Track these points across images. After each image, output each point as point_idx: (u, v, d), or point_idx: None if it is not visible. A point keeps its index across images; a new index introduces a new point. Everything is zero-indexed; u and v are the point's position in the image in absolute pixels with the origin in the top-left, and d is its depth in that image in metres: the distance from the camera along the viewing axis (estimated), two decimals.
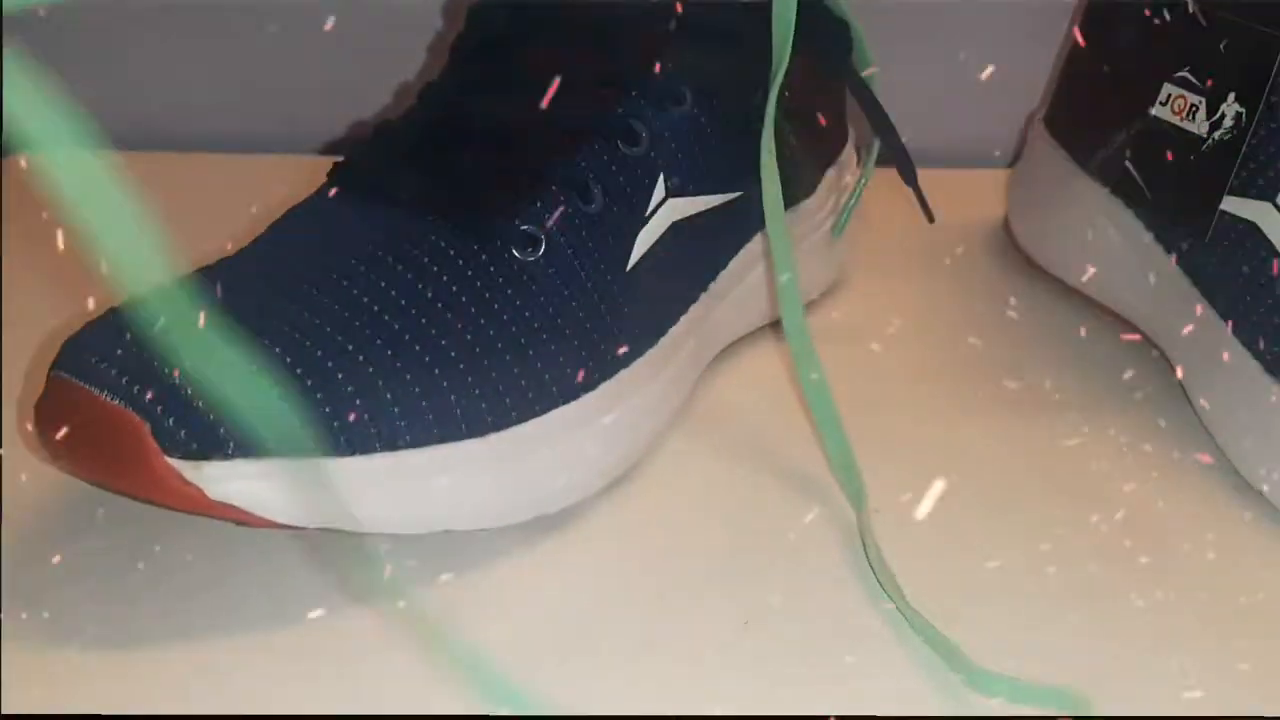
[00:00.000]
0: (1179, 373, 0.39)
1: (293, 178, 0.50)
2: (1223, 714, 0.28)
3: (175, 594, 0.30)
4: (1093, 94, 0.44)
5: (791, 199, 0.41)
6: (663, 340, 0.35)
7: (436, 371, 0.30)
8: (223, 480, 0.27)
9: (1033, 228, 0.46)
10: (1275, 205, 0.35)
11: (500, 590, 0.31)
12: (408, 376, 0.30)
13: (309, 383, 0.28)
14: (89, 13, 0.57)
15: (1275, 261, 0.35)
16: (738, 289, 0.39)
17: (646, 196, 0.34)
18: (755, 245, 0.39)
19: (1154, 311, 0.41)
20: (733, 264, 0.38)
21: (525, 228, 0.32)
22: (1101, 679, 0.28)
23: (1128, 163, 0.40)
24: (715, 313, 0.38)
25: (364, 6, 0.56)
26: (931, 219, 0.42)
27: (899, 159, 0.40)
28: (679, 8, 0.35)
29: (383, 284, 0.31)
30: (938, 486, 0.33)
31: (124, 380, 0.28)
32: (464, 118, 0.35)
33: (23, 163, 0.55)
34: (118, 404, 0.27)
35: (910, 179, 0.41)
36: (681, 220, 0.36)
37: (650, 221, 0.35)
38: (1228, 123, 0.36)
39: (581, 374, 0.33)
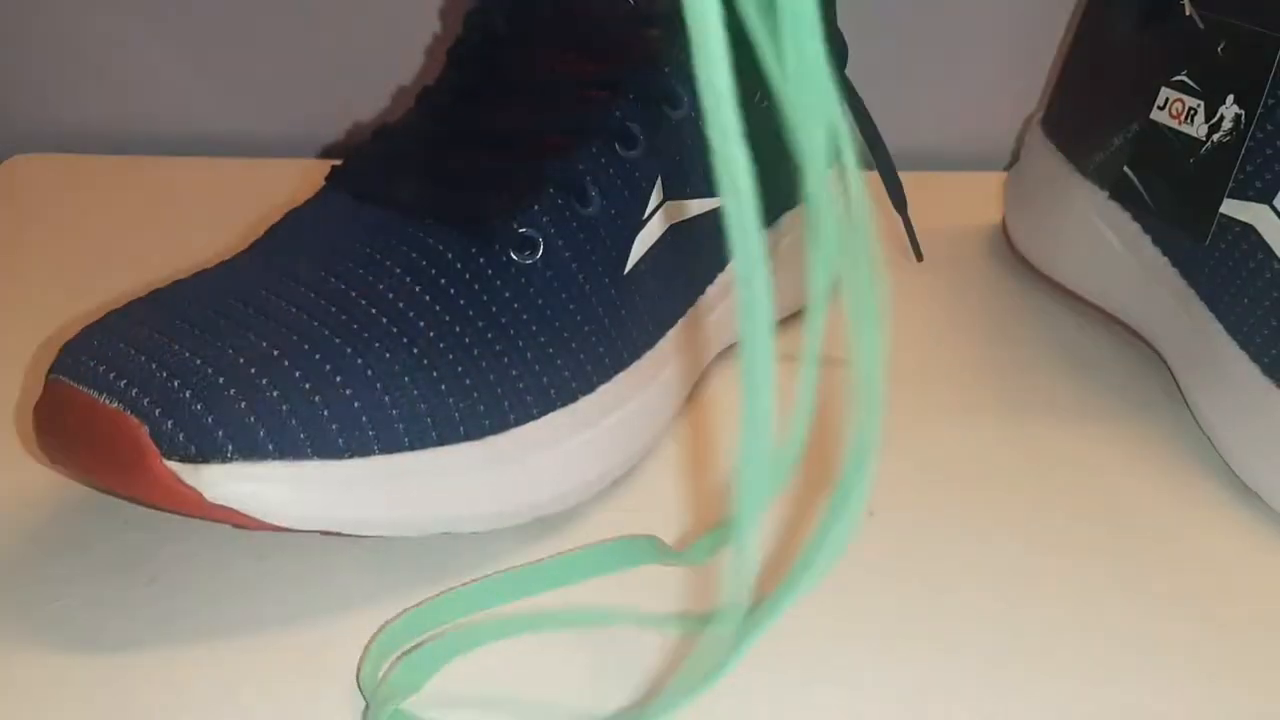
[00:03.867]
0: (1176, 375, 0.39)
1: (291, 181, 0.50)
2: (1222, 716, 0.28)
3: (173, 598, 0.30)
4: (1090, 97, 0.44)
5: (790, 201, 0.41)
6: (661, 343, 0.35)
7: (434, 374, 0.30)
8: (221, 483, 0.27)
9: (1030, 230, 0.46)
10: (1273, 208, 0.35)
11: None
12: (406, 380, 0.30)
13: (307, 386, 0.28)
14: (88, 17, 0.57)
15: (1272, 264, 0.35)
16: (735, 292, 0.39)
17: (644, 199, 0.34)
18: None
19: (1151, 314, 0.41)
20: (730, 266, 0.38)
21: (523, 230, 0.32)
22: (1099, 678, 0.28)
23: (1125, 166, 0.40)
24: (713, 315, 0.38)
25: (362, 10, 0.57)
26: (920, 257, 0.42)
27: (890, 187, 0.40)
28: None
29: (380, 288, 0.31)
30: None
31: (122, 383, 0.28)
32: (461, 121, 0.35)
33: (22, 164, 0.55)
34: (116, 407, 0.27)
35: (900, 207, 0.40)
36: (679, 222, 0.36)
37: (648, 224, 0.35)
38: (1226, 125, 0.36)
39: (579, 377, 0.33)
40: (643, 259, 0.34)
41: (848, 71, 0.40)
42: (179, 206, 0.52)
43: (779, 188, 0.41)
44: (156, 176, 0.54)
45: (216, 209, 0.50)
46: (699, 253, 0.37)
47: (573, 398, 0.32)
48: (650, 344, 0.35)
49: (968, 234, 0.50)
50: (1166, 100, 0.38)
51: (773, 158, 0.39)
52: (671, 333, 0.36)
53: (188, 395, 0.27)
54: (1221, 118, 0.36)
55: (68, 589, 0.30)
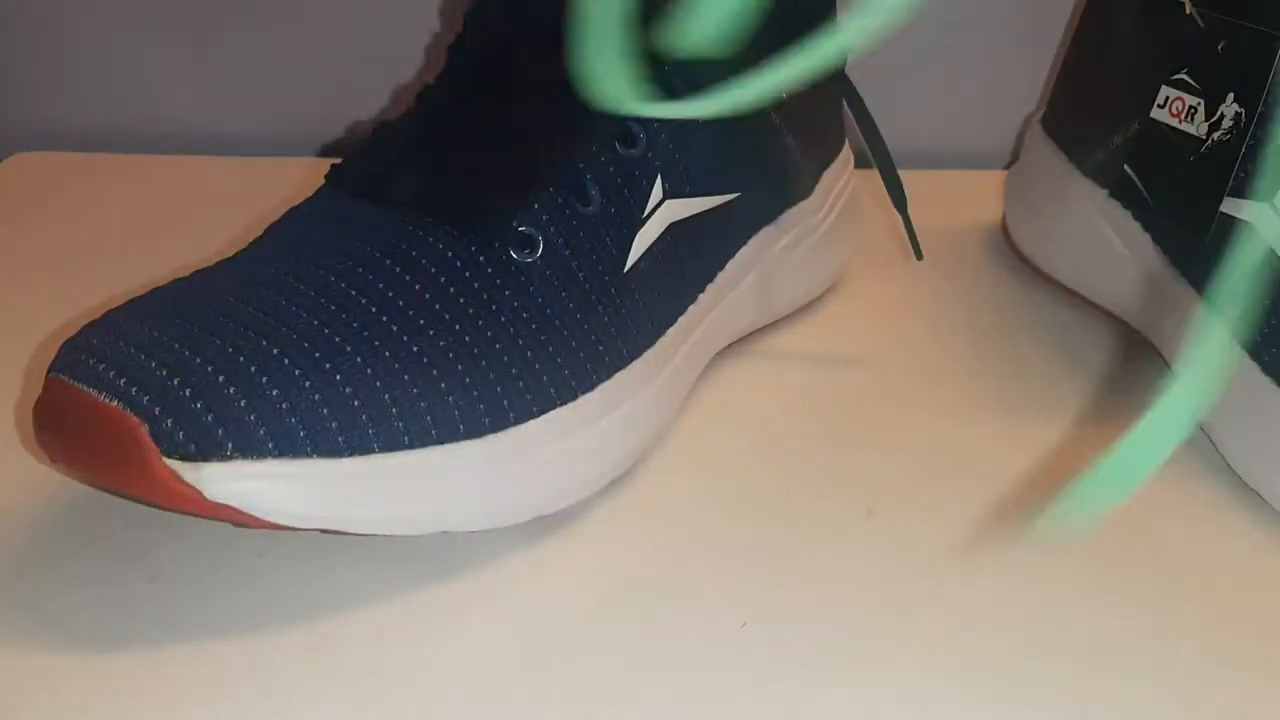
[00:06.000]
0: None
1: (291, 179, 0.50)
2: (1219, 715, 0.28)
3: (173, 596, 0.30)
4: (1091, 95, 0.44)
5: (790, 199, 0.41)
6: (660, 341, 0.35)
7: (434, 373, 0.30)
8: (221, 481, 0.27)
9: (1030, 229, 0.46)
10: (1273, 206, 0.35)
11: (499, 591, 0.31)
12: (405, 378, 0.30)
13: (307, 384, 0.28)
14: (88, 17, 0.57)
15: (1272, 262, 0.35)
16: (735, 290, 0.39)
17: (644, 198, 0.34)
18: (753, 246, 0.39)
19: (1151, 313, 0.41)
20: (730, 265, 0.39)
21: (523, 229, 0.32)
22: (1099, 677, 0.28)
23: (1125, 165, 0.40)
24: (713, 314, 0.38)
25: (362, 10, 0.57)
26: (920, 256, 0.42)
27: (890, 186, 0.40)
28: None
29: (380, 286, 0.31)
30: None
31: (122, 382, 0.28)
32: (461, 119, 0.35)
33: (23, 163, 0.55)
34: (116, 405, 0.27)
35: (900, 206, 0.40)
36: (679, 221, 0.36)
37: (648, 223, 0.35)
38: (1226, 123, 0.36)
39: (579, 375, 0.33)
40: (643, 258, 0.34)
41: (848, 71, 0.40)
42: (179, 206, 0.52)
43: (779, 187, 0.41)
44: (156, 176, 0.54)
45: (216, 209, 0.50)
46: (699, 251, 0.37)
47: (573, 396, 0.32)
48: (650, 342, 0.35)
49: (968, 234, 0.50)
50: (1167, 99, 0.38)
51: (774, 158, 0.40)
52: (671, 331, 0.36)
53: (187, 393, 0.27)
54: (1222, 116, 0.36)
55: (68, 588, 0.30)
